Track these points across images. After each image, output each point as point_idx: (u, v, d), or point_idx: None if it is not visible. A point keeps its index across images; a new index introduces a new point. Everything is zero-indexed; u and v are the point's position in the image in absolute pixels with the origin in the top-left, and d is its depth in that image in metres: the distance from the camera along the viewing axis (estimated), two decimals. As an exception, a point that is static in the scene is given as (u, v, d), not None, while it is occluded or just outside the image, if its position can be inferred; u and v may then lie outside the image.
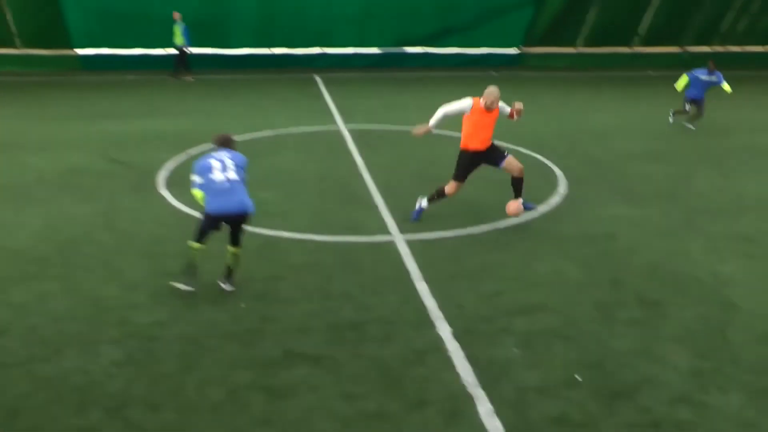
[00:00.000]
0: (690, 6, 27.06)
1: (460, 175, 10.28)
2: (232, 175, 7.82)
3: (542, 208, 11.08)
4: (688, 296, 8.29)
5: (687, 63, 28.87)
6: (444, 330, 7.24)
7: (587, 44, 27.81)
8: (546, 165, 13.67)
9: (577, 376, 6.50)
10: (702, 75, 17.21)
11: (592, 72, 27.31)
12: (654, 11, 26.76)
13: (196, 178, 7.85)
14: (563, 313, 7.71)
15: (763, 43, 30.13)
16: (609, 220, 10.66)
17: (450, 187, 10.36)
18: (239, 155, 8.11)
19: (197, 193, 7.89)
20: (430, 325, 7.36)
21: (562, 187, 12.25)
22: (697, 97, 17.41)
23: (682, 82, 17.44)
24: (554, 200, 11.54)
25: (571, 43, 28.01)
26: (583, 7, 26.23)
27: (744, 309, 8.07)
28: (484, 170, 11.01)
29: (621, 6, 26.06)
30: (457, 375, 6.45)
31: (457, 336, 7.12)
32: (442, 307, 7.73)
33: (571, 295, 8.14)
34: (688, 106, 17.65)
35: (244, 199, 7.83)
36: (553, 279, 8.57)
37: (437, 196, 10.44)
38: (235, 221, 7.91)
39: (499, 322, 7.45)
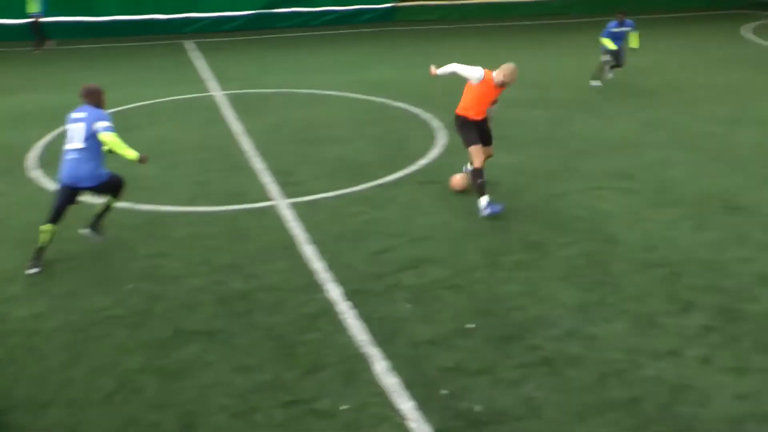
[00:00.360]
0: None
1: (473, 137, 9.33)
2: (79, 144, 7.61)
3: (423, 162, 11.11)
4: (570, 235, 8.50)
5: (557, 10, 29.57)
6: (334, 292, 7.18)
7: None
8: (425, 118, 13.70)
9: (469, 325, 6.57)
10: (613, 28, 16.82)
11: (466, 23, 27.54)
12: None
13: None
14: (450, 264, 7.77)
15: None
16: (491, 168, 10.72)
17: (475, 158, 9.22)
18: (99, 113, 7.78)
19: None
20: (319, 288, 7.28)
21: (442, 138, 12.31)
22: (615, 51, 16.96)
23: (609, 44, 16.72)
24: (434, 152, 11.59)
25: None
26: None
27: (623, 241, 8.35)
28: (363, 126, 10.99)
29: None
30: (350, 336, 6.41)
31: (348, 296, 7.07)
32: (331, 268, 7.66)
33: (457, 246, 8.22)
34: (606, 57, 16.98)
35: (93, 169, 7.61)
36: (438, 231, 8.62)
37: (478, 180, 9.16)
38: (88, 191, 7.79)
39: (389, 279, 7.44)
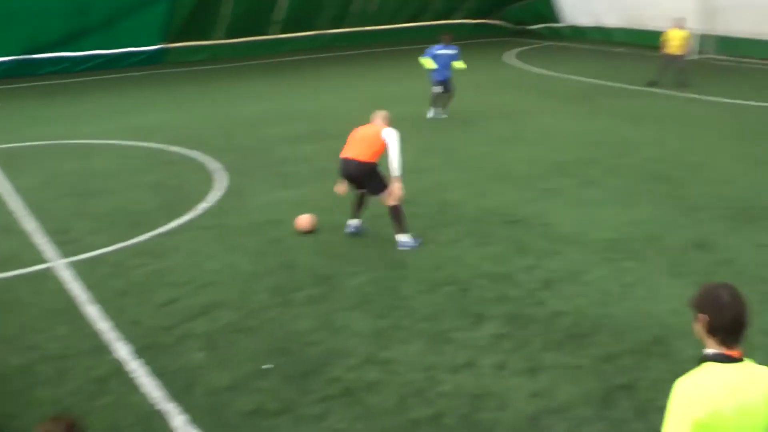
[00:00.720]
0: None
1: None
2: None
3: (204, 206, 10.92)
4: (358, 264, 8.68)
5: (326, 44, 30.21)
6: (123, 351, 6.85)
7: (228, 36, 27.87)
8: (203, 161, 13.48)
9: (266, 365, 6.51)
10: (440, 50, 16.71)
11: (236, 62, 27.48)
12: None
13: None
14: (241, 306, 7.68)
15: (389, 23, 32.43)
16: (273, 206, 10.80)
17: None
18: None
19: None
20: (107, 349, 6.92)
21: (222, 180, 12.17)
22: (444, 78, 16.75)
23: (427, 64, 16.74)
24: (216, 195, 11.42)
25: (211, 36, 27.90)
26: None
27: (410, 265, 8.66)
28: (139, 174, 10.61)
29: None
30: (144, 394, 6.15)
31: (138, 354, 6.78)
32: (117, 327, 7.31)
33: (247, 287, 8.14)
34: (437, 89, 16.90)
35: None
36: (226, 274, 8.50)
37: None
38: None
39: (179, 329, 7.22)
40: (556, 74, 23.41)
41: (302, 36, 29.75)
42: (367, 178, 9.34)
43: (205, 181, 12.20)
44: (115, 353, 6.83)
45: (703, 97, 19.49)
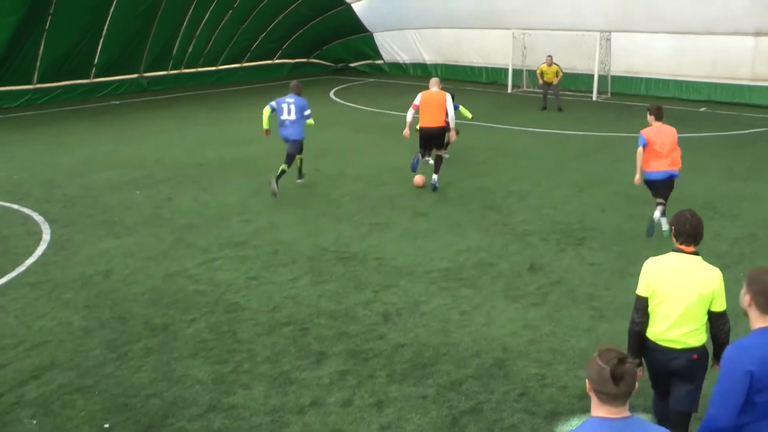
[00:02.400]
0: (139, 35, 27.53)
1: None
2: None
3: (30, 261, 10.39)
4: (194, 311, 8.55)
5: (148, 87, 29.56)
6: (-55, 423, 6.42)
7: (45, 80, 26.68)
8: (25, 213, 12.81)
9: (105, 425, 6.27)
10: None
11: (55, 108, 26.30)
12: (105, 42, 26.67)
13: None
14: (76, 365, 7.35)
15: (213, 65, 32.27)
16: (102, 257, 10.44)
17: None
18: None
19: None
20: (-74, 423, 6.46)
21: (47, 233, 11.62)
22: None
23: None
24: (41, 249, 10.88)
25: (28, 81, 26.61)
26: (31, 43, 25.06)
27: (248, 307, 8.62)
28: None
29: (69, 40, 25.43)
30: (-29, 468, 5.78)
31: (-37, 425, 6.37)
32: (-63, 398, 6.83)
33: (80, 344, 7.81)
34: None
35: None
36: (57, 333, 8.10)
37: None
38: None
39: (8, 396, 6.79)
40: (377, 110, 24.04)
41: (123, 79, 28.96)
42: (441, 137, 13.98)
43: (29, 234, 11.58)
44: (-64, 427, 6.39)
45: (529, 129, 20.63)
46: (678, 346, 4.91)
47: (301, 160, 14.29)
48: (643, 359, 5.18)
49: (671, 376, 5.09)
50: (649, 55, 26.80)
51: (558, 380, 6.90)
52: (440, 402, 6.54)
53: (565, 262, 10.07)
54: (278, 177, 13.21)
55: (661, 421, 5.28)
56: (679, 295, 4.92)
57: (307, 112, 13.84)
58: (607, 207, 12.63)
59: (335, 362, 7.29)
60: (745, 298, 4.06)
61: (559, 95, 24.74)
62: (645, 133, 10.81)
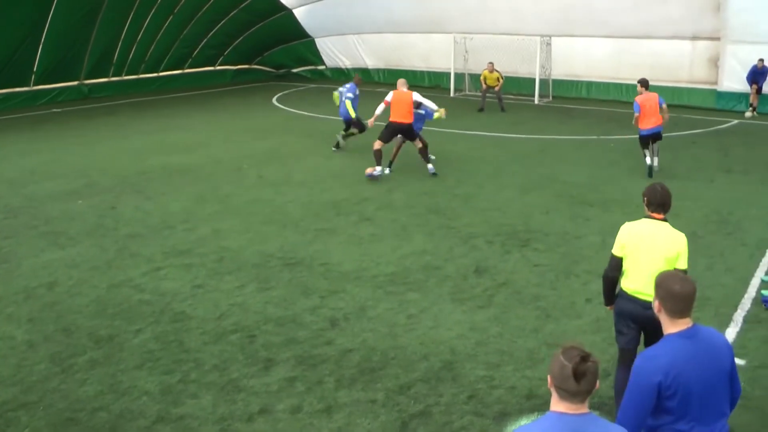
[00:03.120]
0: (79, 41, 27.09)
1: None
2: None
3: (-31, 274, 10.17)
4: (140, 321, 8.46)
5: (89, 94, 29.10)
6: None
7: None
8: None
9: (50, 439, 6.18)
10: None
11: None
12: (44, 49, 26.17)
13: None
14: (19, 380, 7.20)
15: (155, 71, 31.98)
16: (45, 268, 10.26)
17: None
18: None
19: None
20: None
21: (-14, 245, 11.39)
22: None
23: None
24: (-20, 262, 10.67)
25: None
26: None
27: (194, 316, 8.57)
28: None
29: (7, 46, 24.85)
30: None
31: None
32: None
33: (23, 358, 7.65)
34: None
35: None
36: (-1, 347, 7.96)
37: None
38: None
39: (-51, 412, 6.68)
40: (320, 116, 24.04)
41: (64, 86, 28.46)
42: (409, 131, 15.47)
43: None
44: None
45: (472, 132, 20.84)
46: (649, 298, 5.16)
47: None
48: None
49: (639, 323, 5.90)
50: (589, 58, 27.31)
51: (506, 381, 7.00)
52: (389, 406, 6.58)
53: (510, 263, 10.21)
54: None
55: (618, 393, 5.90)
56: (650, 254, 5.72)
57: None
58: (550, 208, 12.83)
59: (283, 369, 7.28)
60: (654, 304, 4.10)
61: (502, 98, 25.53)
62: (638, 100, 14.90)
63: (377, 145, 15.37)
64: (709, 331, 4.11)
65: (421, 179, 15.13)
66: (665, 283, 4.03)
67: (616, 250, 5.89)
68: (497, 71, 25.67)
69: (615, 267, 5.92)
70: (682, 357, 3.91)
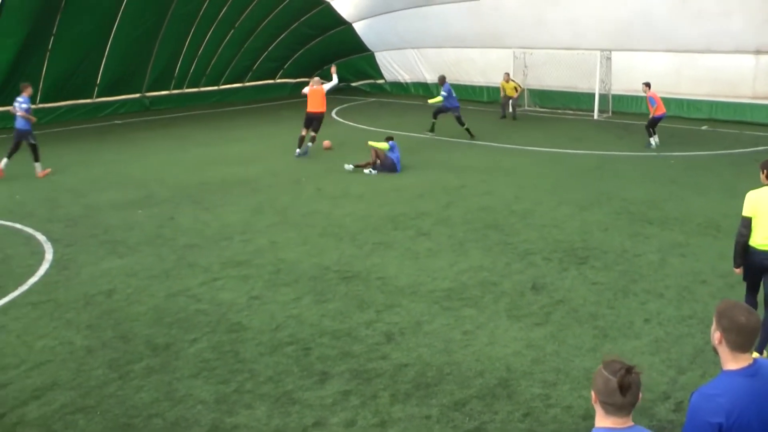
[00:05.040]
0: (141, 55, 27.65)
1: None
2: None
3: (32, 280, 10.38)
4: (196, 330, 8.53)
5: (150, 106, 29.67)
6: (-54, 444, 6.40)
7: (47, 100, 26.68)
8: (27, 232, 12.81)
9: (106, 445, 6.25)
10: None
11: (57, 127, 26.33)
12: (108, 62, 26.75)
13: None
14: (78, 384, 7.32)
15: (215, 84, 32.50)
16: (104, 276, 10.43)
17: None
18: None
19: None
20: (-73, 444, 6.43)
21: (49, 253, 11.62)
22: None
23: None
24: (43, 269, 10.87)
25: (32, 101, 26.54)
26: (34, 64, 25.10)
27: (250, 327, 8.59)
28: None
29: (72, 60, 25.50)
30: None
31: (-36, 446, 6.35)
32: (-62, 419, 6.81)
33: (82, 363, 7.78)
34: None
35: None
36: (59, 352, 8.07)
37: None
38: None
39: (10, 417, 6.76)
40: (379, 129, 24.08)
41: (125, 99, 29.08)
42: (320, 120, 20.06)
43: (32, 254, 11.59)
44: (-62, 448, 6.36)
45: (530, 148, 20.68)
46: None
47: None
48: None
49: (764, 271, 7.49)
50: (649, 73, 26.85)
51: (562, 400, 6.87)
52: (444, 422, 6.50)
53: (567, 281, 10.04)
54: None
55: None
56: None
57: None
58: (609, 226, 12.62)
59: (338, 382, 7.26)
60: (714, 335, 3.77)
61: (516, 107, 27.75)
62: (652, 95, 20.68)
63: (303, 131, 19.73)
64: None
65: (478, 194, 15.02)
66: (730, 312, 3.71)
67: (746, 212, 7.42)
68: (513, 80, 27.66)
69: (746, 225, 7.42)
70: (745, 398, 3.63)
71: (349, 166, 17.85)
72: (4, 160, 17.43)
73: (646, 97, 21.26)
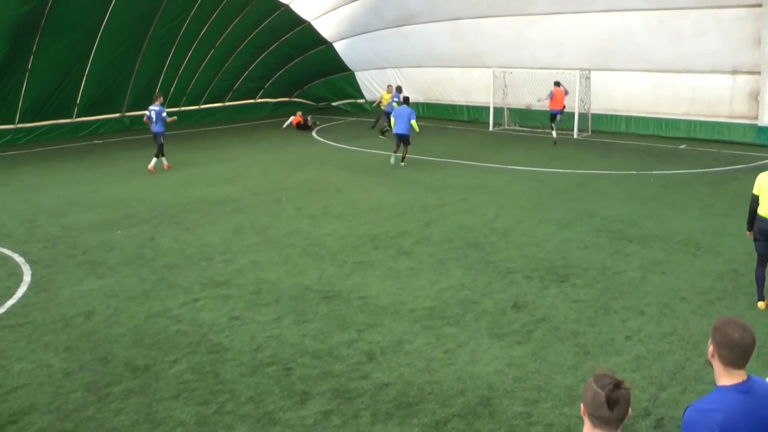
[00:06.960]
0: (122, 74, 27.59)
1: None
2: None
3: (10, 302, 10.26)
4: (176, 351, 8.47)
5: (128, 127, 29.54)
6: None
7: (27, 120, 26.58)
8: (4, 254, 12.68)
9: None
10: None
11: (37, 147, 26.21)
12: (88, 82, 26.67)
13: None
14: (55, 408, 7.23)
15: (196, 104, 32.47)
16: (83, 298, 10.34)
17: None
18: None
19: None
20: None
21: (27, 274, 11.50)
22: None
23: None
24: (21, 291, 10.76)
25: (10, 120, 26.46)
26: (13, 83, 24.94)
27: (230, 347, 8.54)
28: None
29: (52, 79, 25.40)
30: None
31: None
32: None
33: (60, 386, 7.68)
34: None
35: None
36: (36, 376, 7.96)
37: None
38: None
39: (-14, 439, 6.71)
40: (360, 149, 24.14)
41: (106, 118, 28.97)
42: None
43: (9, 276, 11.46)
44: None
45: (510, 167, 20.77)
46: None
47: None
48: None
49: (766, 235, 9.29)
50: (628, 92, 27.15)
51: (544, 418, 6.87)
52: (425, 442, 6.48)
53: (548, 299, 10.07)
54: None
55: (759, 281, 9.65)
56: None
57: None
58: (589, 244, 12.68)
59: (319, 402, 7.22)
60: (709, 349, 3.82)
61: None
62: (553, 91, 23.56)
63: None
64: (764, 385, 3.82)
65: (459, 213, 15.05)
66: (724, 328, 3.73)
67: (755, 190, 9.37)
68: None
69: (755, 201, 9.37)
70: (739, 414, 3.63)
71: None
72: (154, 160, 20.48)
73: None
